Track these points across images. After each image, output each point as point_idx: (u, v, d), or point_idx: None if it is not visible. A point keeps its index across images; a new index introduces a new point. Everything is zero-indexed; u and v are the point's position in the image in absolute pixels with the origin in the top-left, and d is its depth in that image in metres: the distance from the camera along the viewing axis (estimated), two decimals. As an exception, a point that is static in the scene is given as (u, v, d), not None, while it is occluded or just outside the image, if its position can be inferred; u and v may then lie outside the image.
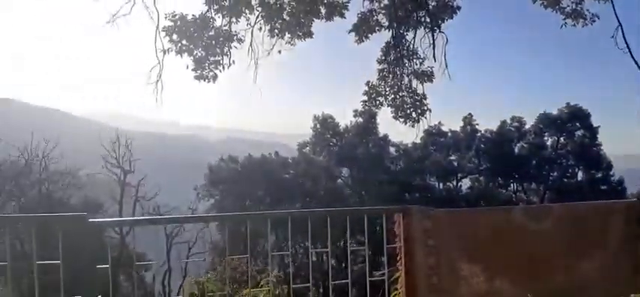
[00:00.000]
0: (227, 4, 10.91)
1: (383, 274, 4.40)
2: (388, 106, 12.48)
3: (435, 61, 11.65)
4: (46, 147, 35.68)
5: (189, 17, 10.66)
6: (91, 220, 3.49)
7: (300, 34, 11.80)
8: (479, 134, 42.97)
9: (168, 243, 33.02)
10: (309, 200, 37.84)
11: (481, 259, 4.24)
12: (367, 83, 12.77)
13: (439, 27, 11.74)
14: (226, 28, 11.36)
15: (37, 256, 3.47)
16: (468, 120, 43.32)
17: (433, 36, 11.58)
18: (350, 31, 12.33)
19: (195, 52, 10.74)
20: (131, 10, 9.33)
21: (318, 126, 41.93)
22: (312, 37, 11.91)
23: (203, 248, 35.21)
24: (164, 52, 10.23)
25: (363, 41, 12.27)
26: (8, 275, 3.62)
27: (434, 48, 11.54)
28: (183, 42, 10.72)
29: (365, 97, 12.83)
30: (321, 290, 29.06)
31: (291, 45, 11.86)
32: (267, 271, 5.18)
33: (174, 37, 10.61)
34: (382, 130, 41.57)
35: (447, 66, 11.48)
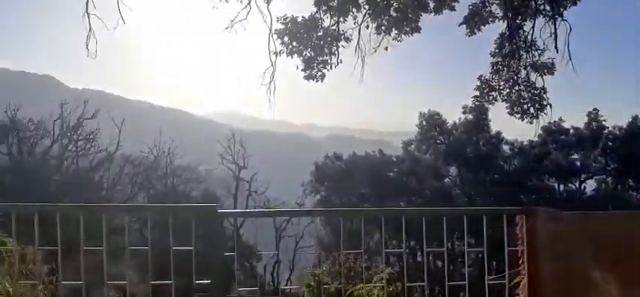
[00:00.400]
0: (335, 4, 11.11)
1: (501, 278, 4.16)
2: (502, 101, 11.80)
3: (556, 52, 10.75)
4: (171, 144, 39.32)
5: (299, 19, 11.03)
6: (220, 210, 3.75)
7: (407, 29, 11.62)
8: (606, 131, 38.79)
9: (277, 236, 34.53)
10: (415, 199, 37.05)
11: (616, 269, 3.82)
12: (479, 77, 12.18)
13: (561, 14, 10.82)
14: (334, 27, 11.58)
15: (171, 242, 3.84)
16: (594, 116, 39.30)
17: (554, 25, 10.70)
18: (460, 24, 11.87)
19: (305, 52, 11.09)
20: (247, 16, 9.88)
21: (423, 123, 40.85)
22: (419, 32, 11.67)
23: (309, 243, 36.21)
24: (276, 54, 10.71)
25: (474, 34, 11.75)
26: (149, 259, 4.05)
27: (555, 38, 10.66)
28: (294, 44, 11.14)
29: (476, 93, 12.26)
30: (427, 292, 28.35)
31: (398, 41, 11.73)
32: (376, 268, 5.17)
33: (286, 39, 11.07)
34: (494, 127, 39.35)
35: (570, 57, 10.53)
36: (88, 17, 7.61)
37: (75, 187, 30.50)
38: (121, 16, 7.81)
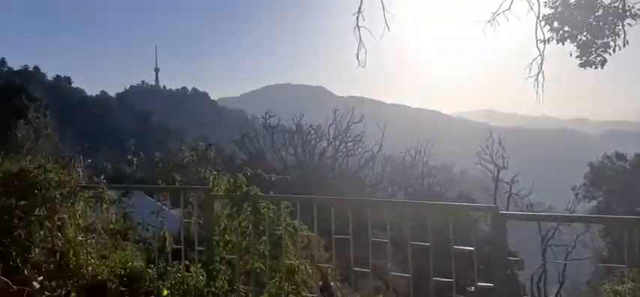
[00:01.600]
0: (619, -25, 9.33)
1: None
2: None
3: None
4: (425, 145, 40.08)
5: (572, 0, 9.67)
6: (502, 212, 3.58)
7: None
8: None
9: (544, 244, 31.30)
10: None
11: None
12: None
13: None
14: (616, 4, 9.73)
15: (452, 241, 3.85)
16: None
17: None
18: None
19: (580, 37, 9.65)
20: (510, 6, 9.19)
21: None
22: None
23: (582, 254, 31.70)
24: (544, 43, 9.64)
25: None
26: (431, 255, 4.13)
27: None
28: (566, 28, 9.82)
29: None
30: None
31: None
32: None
33: (555, 24, 9.85)
34: None
35: None
36: (359, 30, 8.33)
37: (345, 184, 34.11)
38: (387, 25, 8.29)
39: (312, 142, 37.47)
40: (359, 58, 9.06)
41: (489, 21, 9.86)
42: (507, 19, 9.74)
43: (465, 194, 38.37)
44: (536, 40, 9.86)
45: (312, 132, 37.79)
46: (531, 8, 9.69)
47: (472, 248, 3.94)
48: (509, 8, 9.52)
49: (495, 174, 36.52)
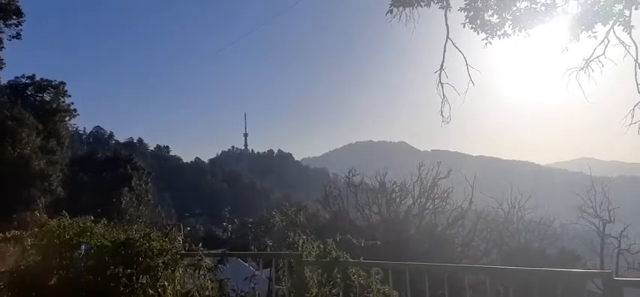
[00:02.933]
0: None
1: None
2: None
3: None
4: (520, 198, 37.66)
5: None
6: (616, 278, 3.24)
7: None
8: None
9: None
10: None
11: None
12: None
13: None
14: None
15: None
16: None
17: None
18: None
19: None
20: (605, 51, 8.64)
21: None
22: None
23: None
24: (646, 87, 8.86)
25: None
26: None
27: None
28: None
29: None
30: None
31: None
32: None
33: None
34: None
35: None
36: (442, 87, 8.24)
37: (433, 243, 32.81)
38: (471, 79, 8.13)
39: (397, 200, 36.77)
40: (443, 114, 8.92)
41: (582, 68, 9.33)
42: (602, 65, 9.16)
43: (567, 251, 35.27)
44: (637, 85, 9.12)
45: (397, 189, 37.16)
46: (628, 51, 9.05)
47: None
48: (604, 53, 8.96)
49: (601, 228, 33.27)
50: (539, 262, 29.82)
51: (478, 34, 8.88)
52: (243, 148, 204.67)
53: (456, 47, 8.54)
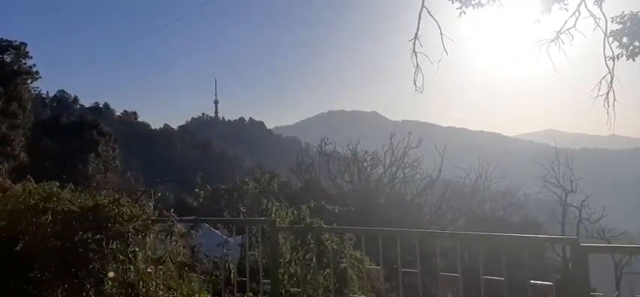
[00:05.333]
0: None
1: None
2: None
3: None
4: (487, 168, 38.72)
5: (642, 15, 9.12)
6: (582, 244, 3.37)
7: None
8: None
9: (617, 272, 29.11)
10: None
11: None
12: None
13: None
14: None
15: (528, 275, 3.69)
16: None
17: None
18: None
19: (652, 51, 9.04)
20: (575, 23, 8.80)
21: None
22: None
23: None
24: (614, 59, 9.13)
25: None
26: (460, 286, 3.99)
27: None
28: (636, 43, 9.28)
29: None
30: None
31: None
32: None
33: (624, 39, 9.33)
34: None
35: None
36: (416, 56, 8.26)
37: (403, 210, 33.51)
38: (445, 49, 8.17)
39: (368, 169, 37.23)
40: (416, 83, 8.97)
41: (553, 40, 9.49)
42: (572, 37, 9.35)
43: (530, 219, 36.67)
44: (605, 58, 9.37)
45: (368, 158, 37.58)
46: (598, 25, 9.25)
47: (551, 283, 3.72)
48: (575, 26, 9.13)
49: (563, 198, 34.62)
50: (503, 229, 30.91)
51: (453, 2, 8.90)
52: (213, 115, 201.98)
53: (431, 15, 8.54)
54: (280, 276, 5.30)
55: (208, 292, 5.76)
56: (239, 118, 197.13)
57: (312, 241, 5.15)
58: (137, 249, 5.50)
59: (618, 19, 9.58)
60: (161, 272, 5.74)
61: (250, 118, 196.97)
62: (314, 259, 5.15)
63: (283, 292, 5.29)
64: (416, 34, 9.00)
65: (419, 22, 8.92)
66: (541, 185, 36.55)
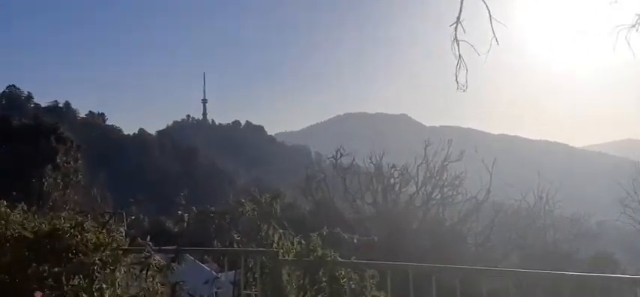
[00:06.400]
0: None
1: None
2: None
3: None
4: (549, 188, 38.35)
5: None
6: None
7: None
8: None
9: None
10: None
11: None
12: None
13: None
14: None
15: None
16: None
17: None
18: None
19: None
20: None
21: None
22: None
23: None
24: None
25: None
26: None
27: None
28: None
29: None
30: None
31: None
32: None
33: None
34: None
35: None
36: (458, 45, 8.21)
37: (441, 240, 33.31)
38: (495, 37, 8.12)
39: (397, 188, 37.14)
40: (458, 80, 8.93)
41: (634, 25, 9.43)
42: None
43: (605, 254, 36.24)
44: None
45: (396, 174, 37.50)
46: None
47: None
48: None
49: (646, 226, 34.26)
50: (569, 267, 30.58)
51: (505, -23, 8.89)
52: (201, 117, 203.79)
53: (478, -8, 8.51)
54: (284, 322, 5.31)
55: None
56: (233, 122, 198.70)
57: (324, 279, 5.16)
58: (104, 286, 5.54)
59: None
60: (134, 317, 5.77)
61: (247, 122, 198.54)
62: (327, 301, 5.16)
63: (288, 342, 5.29)
64: (458, 17, 8.97)
65: (462, 1, 8.92)
66: (618, 211, 36.24)
